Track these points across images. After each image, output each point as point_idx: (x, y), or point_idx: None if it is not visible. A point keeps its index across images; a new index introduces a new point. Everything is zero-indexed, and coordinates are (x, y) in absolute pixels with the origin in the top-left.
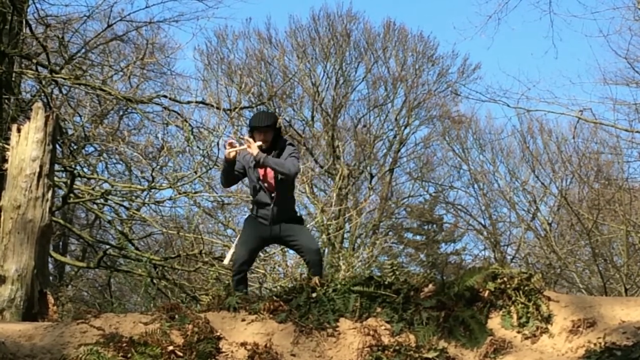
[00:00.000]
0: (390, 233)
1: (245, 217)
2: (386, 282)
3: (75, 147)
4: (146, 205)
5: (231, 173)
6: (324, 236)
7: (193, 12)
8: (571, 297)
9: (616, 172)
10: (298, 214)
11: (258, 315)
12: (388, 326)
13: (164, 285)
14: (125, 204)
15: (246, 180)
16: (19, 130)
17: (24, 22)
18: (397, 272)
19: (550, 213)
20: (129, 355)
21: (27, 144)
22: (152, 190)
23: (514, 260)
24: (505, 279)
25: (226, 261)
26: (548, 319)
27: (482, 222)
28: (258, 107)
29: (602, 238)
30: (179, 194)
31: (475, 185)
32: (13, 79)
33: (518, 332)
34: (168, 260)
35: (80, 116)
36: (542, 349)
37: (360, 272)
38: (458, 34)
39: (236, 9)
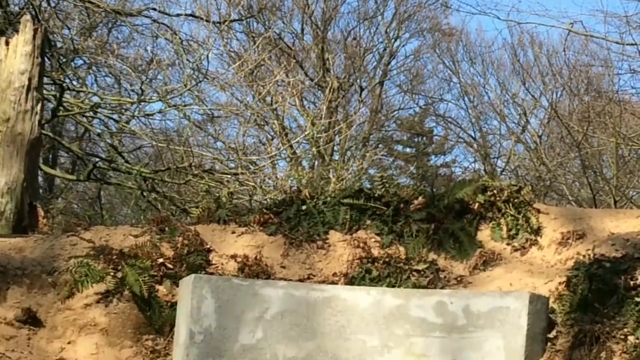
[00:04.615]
0: (380, 145)
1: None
2: (376, 195)
3: (64, 60)
4: (136, 118)
5: None
6: (314, 149)
7: None
8: (561, 209)
9: (606, 84)
10: None
11: (248, 227)
12: (378, 238)
13: (154, 197)
14: (115, 116)
15: (237, 92)
16: (7, 44)
17: None
18: (387, 185)
19: (541, 126)
20: (119, 267)
21: (16, 57)
22: (142, 103)
23: (503, 173)
24: (495, 191)
25: None
26: (537, 231)
27: (472, 134)
28: (248, 19)
29: (591, 150)
30: (169, 106)
31: (466, 98)
32: None
33: (507, 244)
34: (158, 173)
35: (69, 29)
36: (531, 261)
37: (350, 185)
38: None
39: None
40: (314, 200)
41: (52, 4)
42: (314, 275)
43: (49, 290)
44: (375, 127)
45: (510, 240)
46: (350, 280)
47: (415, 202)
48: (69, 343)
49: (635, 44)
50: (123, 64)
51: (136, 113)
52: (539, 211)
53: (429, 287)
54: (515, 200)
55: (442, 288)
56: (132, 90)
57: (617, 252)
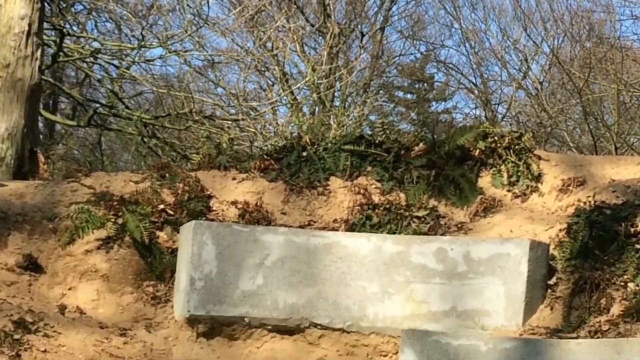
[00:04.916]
0: (381, 92)
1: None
2: (377, 141)
3: (64, 5)
4: (136, 63)
5: None
6: (314, 95)
7: None
8: (561, 156)
9: (608, 30)
10: None
11: (249, 174)
12: (378, 185)
13: (154, 143)
14: (115, 62)
15: (237, 38)
16: None
17: None
18: (388, 131)
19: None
20: (120, 213)
21: (16, 2)
22: (142, 48)
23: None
24: (496, 137)
25: None
26: (538, 178)
27: (473, 80)
28: None
29: (593, 97)
30: (169, 52)
31: (467, 44)
32: None
33: (508, 190)
34: (159, 119)
35: None
36: (532, 208)
37: (350, 131)
38: None
39: None
40: (315, 146)
41: None
42: (315, 222)
43: (50, 237)
44: (376, 73)
45: (510, 186)
46: (351, 227)
47: (416, 148)
48: (69, 289)
49: None
50: (123, 9)
51: (136, 59)
52: (539, 158)
53: (430, 233)
54: (516, 147)
55: (442, 235)
56: (133, 36)
57: (618, 199)
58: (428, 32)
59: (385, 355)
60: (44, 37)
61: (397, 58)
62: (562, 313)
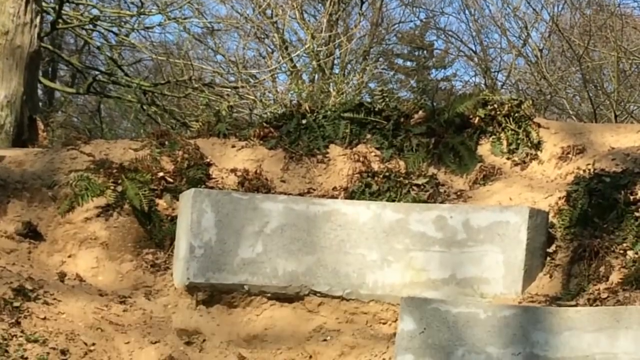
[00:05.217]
0: (380, 59)
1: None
2: (376, 109)
3: None
4: (135, 31)
5: None
6: (314, 62)
7: None
8: (561, 124)
9: None
10: None
11: (248, 141)
12: (378, 152)
13: (153, 111)
14: (114, 29)
15: (237, 5)
16: None
17: None
18: (387, 99)
19: (542, 39)
20: (119, 181)
21: None
22: (141, 16)
23: (504, 87)
24: (495, 105)
25: None
26: (538, 146)
27: (473, 48)
28: None
29: (592, 64)
30: (169, 19)
31: (466, 11)
32: None
33: (508, 158)
34: (158, 87)
35: None
36: (531, 175)
37: (350, 99)
38: None
39: None
40: (314, 114)
41: None
42: (314, 190)
43: (49, 204)
44: (375, 40)
45: (510, 154)
46: (350, 195)
47: (416, 116)
48: (69, 257)
49: None
50: None
51: (136, 26)
52: (539, 125)
53: (429, 201)
54: (516, 115)
55: (442, 202)
56: (132, 3)
57: (617, 166)
58: None
59: (384, 323)
60: (43, 4)
61: (396, 25)
62: (561, 281)
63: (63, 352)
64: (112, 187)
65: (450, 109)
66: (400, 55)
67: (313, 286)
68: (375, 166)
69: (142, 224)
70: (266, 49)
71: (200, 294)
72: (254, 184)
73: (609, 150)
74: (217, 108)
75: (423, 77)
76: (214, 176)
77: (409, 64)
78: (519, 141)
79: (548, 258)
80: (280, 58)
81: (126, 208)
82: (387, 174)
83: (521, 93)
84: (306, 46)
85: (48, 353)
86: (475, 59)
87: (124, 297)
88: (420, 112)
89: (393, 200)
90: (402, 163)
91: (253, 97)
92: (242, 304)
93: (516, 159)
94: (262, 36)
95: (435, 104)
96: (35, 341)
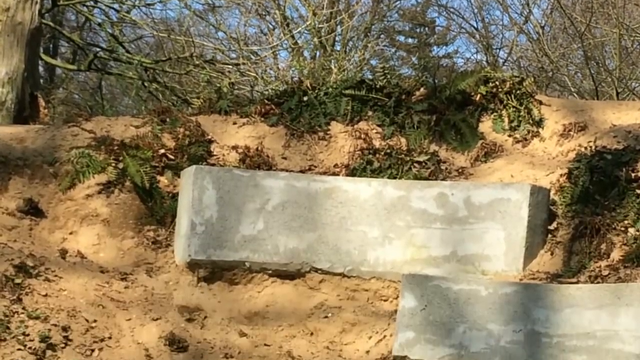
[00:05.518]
0: (382, 36)
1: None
2: (378, 86)
3: None
4: (137, 7)
5: None
6: (315, 39)
7: None
8: (563, 101)
9: None
10: None
11: (249, 118)
12: (379, 129)
13: (155, 88)
14: (116, 6)
15: None
16: None
17: None
18: (389, 76)
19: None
20: (121, 158)
21: None
22: None
23: (505, 64)
24: (497, 82)
25: None
26: (539, 123)
27: (475, 25)
28: None
29: (594, 41)
30: None
31: None
32: None
33: (509, 135)
34: (159, 63)
35: None
36: (532, 153)
37: (351, 76)
38: None
39: None
40: (316, 91)
41: None
42: (315, 167)
43: (51, 181)
44: (377, 17)
45: (511, 131)
46: (352, 172)
47: (417, 93)
48: (70, 233)
49: None
50: None
51: (137, 2)
52: (540, 103)
53: (430, 178)
54: (517, 92)
55: (443, 179)
56: None
57: (619, 144)
58: None
59: (385, 300)
60: None
61: (398, 2)
62: (562, 258)
63: (64, 329)
64: (113, 164)
65: (452, 86)
66: (402, 32)
67: (314, 263)
68: (377, 143)
69: (143, 201)
70: (267, 25)
71: (202, 270)
72: (255, 160)
73: (611, 128)
74: (218, 85)
75: (424, 54)
76: (215, 153)
77: (410, 41)
78: (520, 118)
79: (549, 235)
80: (282, 35)
81: (127, 185)
82: (388, 151)
83: (523, 70)
84: (307, 23)
85: (49, 329)
86: (477, 36)
87: (125, 274)
88: (422, 89)
89: (394, 178)
90: (403, 140)
91: (254, 74)
92: (244, 280)
93: (518, 136)
94: (264, 13)
95: (436, 81)
96: (37, 318)
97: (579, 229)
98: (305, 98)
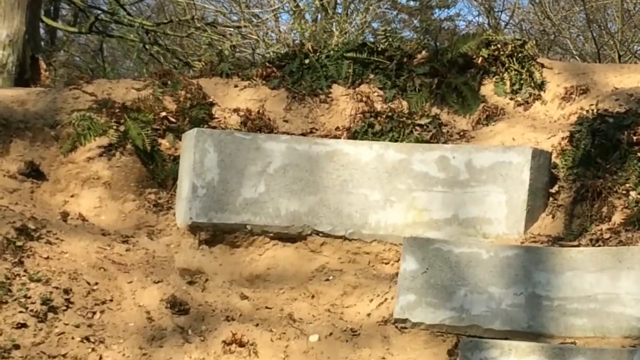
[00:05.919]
0: None
1: None
2: (379, 49)
3: None
4: None
5: None
6: (317, 2)
7: None
8: (564, 64)
9: None
10: None
11: (251, 81)
12: (381, 92)
13: (156, 51)
14: None
15: None
16: None
17: None
18: (391, 38)
19: None
20: (122, 121)
21: None
22: None
23: (507, 27)
24: (498, 45)
25: None
26: (541, 86)
27: None
28: None
29: (596, 4)
30: None
31: None
32: None
33: (511, 98)
34: (160, 26)
35: None
36: (534, 116)
37: (353, 38)
38: None
39: None
40: (317, 53)
41: None
42: (317, 130)
43: (52, 144)
44: None
45: (513, 95)
46: (353, 135)
47: (419, 56)
48: (72, 196)
49: None
50: None
51: None
52: (542, 66)
53: (432, 141)
54: (519, 55)
55: (444, 143)
56: None
57: (621, 107)
58: None
59: (386, 263)
60: None
61: None
62: (563, 221)
63: (66, 292)
64: (114, 127)
65: (454, 49)
66: None
67: (315, 226)
68: (378, 106)
69: (144, 164)
70: None
71: (203, 233)
72: (257, 123)
73: (613, 91)
74: (219, 48)
75: (426, 16)
76: (216, 116)
77: (412, 3)
78: (522, 81)
79: (550, 198)
80: None
81: (129, 148)
82: (389, 114)
83: (524, 33)
84: None
85: (51, 292)
86: None
87: (127, 237)
88: (424, 52)
89: (396, 141)
90: (404, 103)
91: (256, 37)
92: (245, 243)
93: (519, 99)
94: None
95: (438, 44)
96: (38, 280)
97: (581, 192)
98: (306, 61)
